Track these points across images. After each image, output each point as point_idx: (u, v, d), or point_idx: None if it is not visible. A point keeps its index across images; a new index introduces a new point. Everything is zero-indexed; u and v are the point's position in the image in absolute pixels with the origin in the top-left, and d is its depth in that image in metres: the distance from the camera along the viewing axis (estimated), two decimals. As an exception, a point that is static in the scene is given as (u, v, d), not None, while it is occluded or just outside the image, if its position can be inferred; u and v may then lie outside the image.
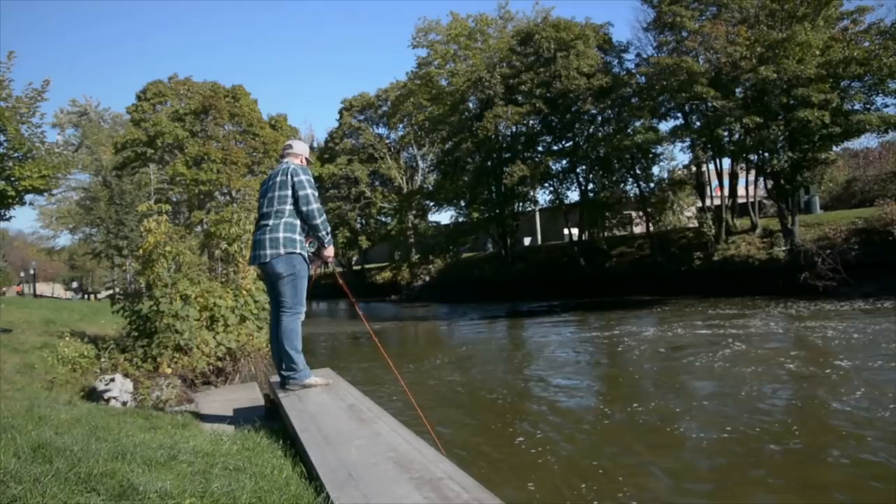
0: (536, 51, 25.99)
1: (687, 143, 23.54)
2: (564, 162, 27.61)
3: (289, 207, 3.82)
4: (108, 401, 4.97)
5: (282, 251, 3.76)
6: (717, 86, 19.70)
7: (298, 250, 3.82)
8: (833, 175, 28.66)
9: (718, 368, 8.67)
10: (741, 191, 24.93)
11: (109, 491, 2.16)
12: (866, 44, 18.55)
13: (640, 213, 28.38)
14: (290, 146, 4.17)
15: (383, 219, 44.97)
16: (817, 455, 5.11)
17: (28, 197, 10.04)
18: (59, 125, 38.11)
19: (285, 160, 4.04)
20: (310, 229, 3.89)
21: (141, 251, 7.09)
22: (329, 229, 3.97)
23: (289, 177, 3.82)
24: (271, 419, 4.02)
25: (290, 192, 3.81)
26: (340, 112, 46.97)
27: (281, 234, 3.77)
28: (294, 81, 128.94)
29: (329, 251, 4.06)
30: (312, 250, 4.03)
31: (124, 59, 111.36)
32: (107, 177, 30.64)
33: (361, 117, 46.41)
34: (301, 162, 4.10)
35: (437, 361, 11.20)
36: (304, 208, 3.79)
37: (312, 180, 3.91)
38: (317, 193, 3.89)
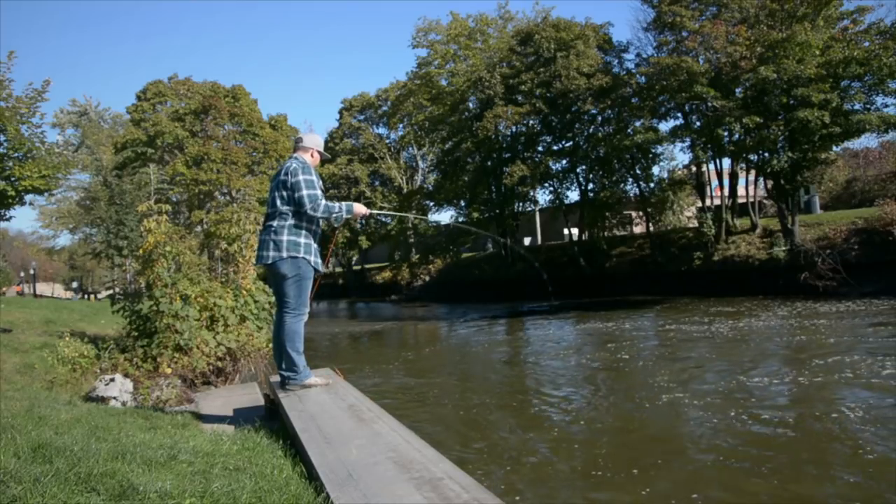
0: (536, 51, 25.98)
1: (687, 143, 23.51)
2: (564, 162, 27.60)
3: (292, 208, 3.78)
4: (108, 401, 4.97)
5: (284, 254, 3.74)
6: (717, 86, 19.68)
7: (302, 254, 3.78)
8: (833, 175, 28.63)
9: (719, 371, 8.66)
10: (741, 191, 24.90)
11: (109, 491, 2.16)
12: (866, 44, 18.52)
13: (640, 213, 28.36)
14: (300, 139, 4.09)
15: (383, 219, 44.97)
16: (817, 461, 5.10)
17: (28, 197, 10.08)
18: (59, 125, 38.14)
19: (294, 154, 3.98)
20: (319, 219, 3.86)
21: (141, 251, 7.09)
22: (336, 210, 3.78)
23: (288, 176, 3.77)
24: (271, 419, 4.02)
25: (290, 193, 3.77)
26: (340, 112, 46.98)
27: (284, 238, 3.75)
28: (294, 81, 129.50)
29: (358, 209, 3.88)
30: (340, 224, 3.96)
31: (124, 59, 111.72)
32: (107, 177, 30.58)
33: (361, 117, 46.40)
34: (311, 156, 4.02)
35: (432, 361, 11.20)
36: (300, 210, 3.76)
37: (312, 177, 3.79)
38: (316, 191, 3.75)
